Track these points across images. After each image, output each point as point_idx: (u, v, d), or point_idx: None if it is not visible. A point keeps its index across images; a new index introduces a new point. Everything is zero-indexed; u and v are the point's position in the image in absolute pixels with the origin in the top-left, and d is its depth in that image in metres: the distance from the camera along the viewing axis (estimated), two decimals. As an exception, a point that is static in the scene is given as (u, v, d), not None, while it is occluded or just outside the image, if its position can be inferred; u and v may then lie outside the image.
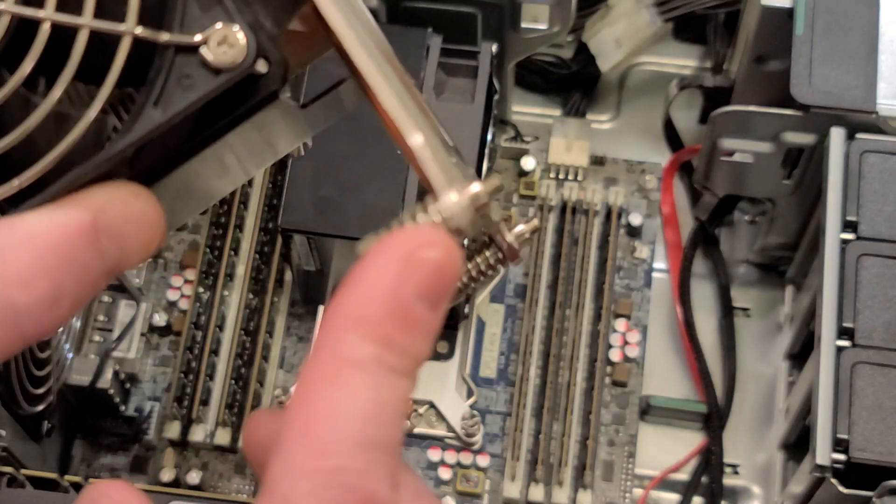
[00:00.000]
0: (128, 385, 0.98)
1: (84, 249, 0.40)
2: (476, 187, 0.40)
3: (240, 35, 0.38)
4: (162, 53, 0.39)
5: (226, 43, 0.38)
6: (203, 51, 0.38)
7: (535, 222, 0.45)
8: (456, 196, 0.40)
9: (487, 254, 0.44)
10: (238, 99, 0.40)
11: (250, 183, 1.02)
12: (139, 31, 0.39)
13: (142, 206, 0.41)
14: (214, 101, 0.40)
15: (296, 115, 0.44)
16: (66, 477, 0.81)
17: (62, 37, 0.39)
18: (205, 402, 0.96)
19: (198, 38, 0.38)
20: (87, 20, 0.39)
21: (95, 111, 0.39)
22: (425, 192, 0.42)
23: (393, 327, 0.40)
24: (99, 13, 0.39)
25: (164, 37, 0.39)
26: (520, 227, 0.44)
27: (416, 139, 0.40)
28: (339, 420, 0.39)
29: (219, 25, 0.38)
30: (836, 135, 0.83)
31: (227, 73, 0.38)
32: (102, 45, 0.39)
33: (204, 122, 0.41)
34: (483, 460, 0.95)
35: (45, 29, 0.39)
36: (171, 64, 0.39)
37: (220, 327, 0.99)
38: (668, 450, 0.97)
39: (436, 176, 0.40)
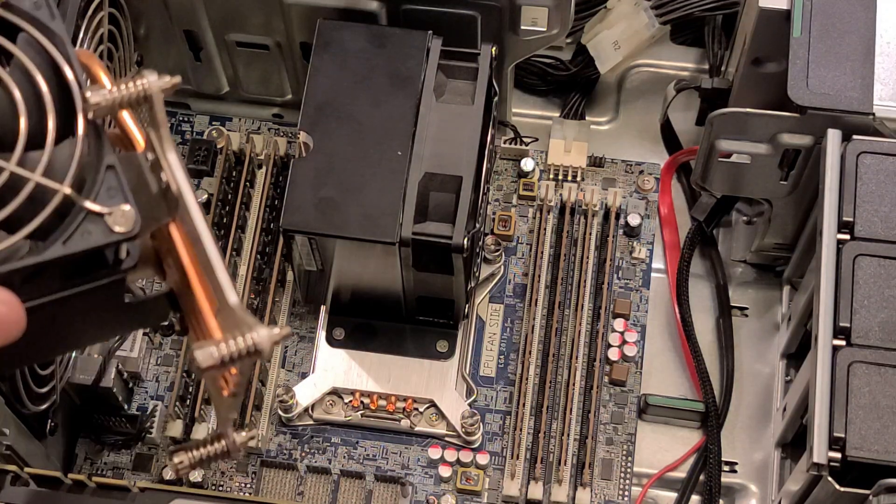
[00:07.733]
0: (131, 384, 0.98)
1: None
2: (274, 329, 0.54)
3: (132, 213, 0.55)
4: (78, 212, 0.54)
5: (123, 217, 0.55)
6: (107, 219, 0.55)
7: (254, 432, 0.61)
8: (266, 332, 0.54)
9: (216, 446, 0.59)
10: (101, 263, 0.57)
11: (252, 184, 1.03)
12: (69, 191, 0.54)
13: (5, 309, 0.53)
14: (85, 259, 0.55)
15: (119, 304, 0.59)
16: (70, 475, 0.81)
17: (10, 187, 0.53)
18: (207, 401, 0.96)
19: (106, 209, 0.55)
20: (37, 176, 0.54)
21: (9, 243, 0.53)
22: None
23: None
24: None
25: (88, 203, 0.54)
26: (243, 436, 0.59)
27: (234, 299, 0.54)
28: None
29: (126, 207, 0.55)
30: (833, 136, 0.83)
31: (116, 235, 0.54)
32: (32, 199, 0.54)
33: (76, 271, 0.57)
34: (483, 458, 0.96)
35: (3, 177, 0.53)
36: (82, 220, 0.54)
37: (222, 327, 0.99)
38: (666, 448, 0.97)
39: (249, 320, 0.54)
